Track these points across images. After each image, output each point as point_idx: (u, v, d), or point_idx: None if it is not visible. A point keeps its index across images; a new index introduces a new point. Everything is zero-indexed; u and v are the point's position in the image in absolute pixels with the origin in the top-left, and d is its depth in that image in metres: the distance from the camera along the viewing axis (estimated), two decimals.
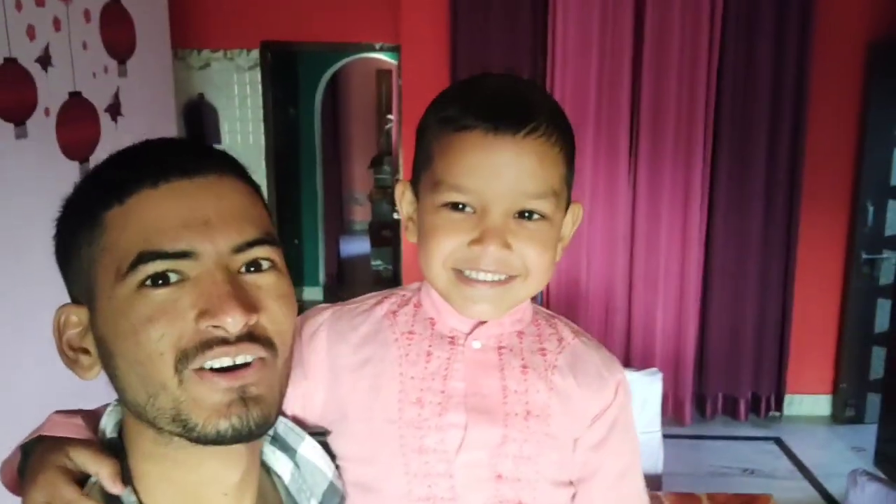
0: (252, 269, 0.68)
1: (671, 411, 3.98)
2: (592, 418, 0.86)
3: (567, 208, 0.84)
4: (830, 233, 4.05)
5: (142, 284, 0.64)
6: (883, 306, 3.95)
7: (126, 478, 0.69)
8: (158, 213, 0.64)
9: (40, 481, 0.68)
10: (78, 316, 0.69)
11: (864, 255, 3.96)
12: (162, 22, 3.54)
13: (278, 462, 0.80)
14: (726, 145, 3.85)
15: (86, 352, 0.69)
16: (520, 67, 3.79)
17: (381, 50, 5.08)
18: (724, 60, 3.77)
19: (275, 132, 5.10)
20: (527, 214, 0.78)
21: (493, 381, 0.83)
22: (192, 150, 0.70)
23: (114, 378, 0.68)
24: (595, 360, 0.89)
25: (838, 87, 3.90)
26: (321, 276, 6.27)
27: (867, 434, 3.81)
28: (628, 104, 3.81)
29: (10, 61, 2.40)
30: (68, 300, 0.71)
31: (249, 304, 0.65)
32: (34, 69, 2.52)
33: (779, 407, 4.11)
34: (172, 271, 0.64)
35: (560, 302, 3.92)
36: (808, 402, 4.20)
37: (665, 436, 2.29)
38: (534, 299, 0.88)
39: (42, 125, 2.56)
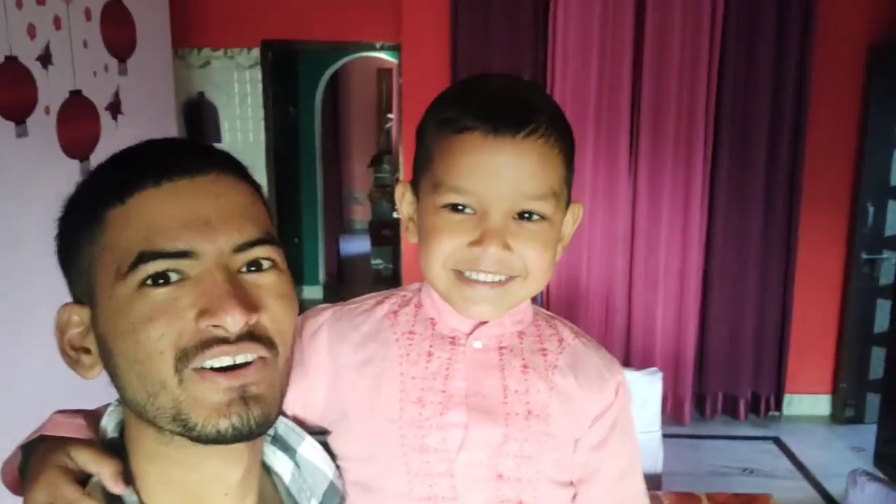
0: (252, 268, 0.68)
1: (671, 411, 3.98)
2: (593, 419, 0.87)
3: (567, 208, 0.84)
4: (830, 233, 4.05)
5: (142, 284, 0.64)
6: (883, 306, 3.95)
7: (127, 478, 0.69)
8: (159, 212, 0.64)
9: (42, 481, 0.68)
10: (79, 315, 0.69)
11: (864, 256, 3.96)
12: (162, 20, 3.54)
13: (278, 462, 0.80)
14: (727, 146, 3.85)
15: (87, 351, 0.69)
16: (520, 67, 3.79)
17: (382, 49, 5.07)
18: (725, 61, 3.77)
19: (275, 131, 5.09)
20: (527, 215, 0.78)
21: (493, 381, 0.83)
22: (193, 149, 0.70)
23: (114, 377, 0.68)
24: (596, 360, 0.89)
25: (839, 88, 3.91)
26: (321, 276, 6.26)
27: (867, 434, 3.82)
28: (629, 104, 3.81)
29: (11, 59, 2.40)
30: (69, 299, 0.71)
31: (249, 304, 0.65)
32: (35, 67, 2.52)
33: (778, 407, 4.12)
34: (173, 271, 0.64)
35: (560, 301, 3.92)
36: (808, 402, 4.20)
37: (665, 435, 2.28)
38: (534, 300, 0.88)
39: (42, 123, 2.56)
